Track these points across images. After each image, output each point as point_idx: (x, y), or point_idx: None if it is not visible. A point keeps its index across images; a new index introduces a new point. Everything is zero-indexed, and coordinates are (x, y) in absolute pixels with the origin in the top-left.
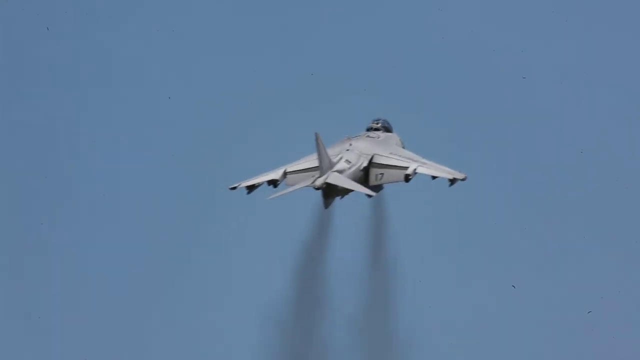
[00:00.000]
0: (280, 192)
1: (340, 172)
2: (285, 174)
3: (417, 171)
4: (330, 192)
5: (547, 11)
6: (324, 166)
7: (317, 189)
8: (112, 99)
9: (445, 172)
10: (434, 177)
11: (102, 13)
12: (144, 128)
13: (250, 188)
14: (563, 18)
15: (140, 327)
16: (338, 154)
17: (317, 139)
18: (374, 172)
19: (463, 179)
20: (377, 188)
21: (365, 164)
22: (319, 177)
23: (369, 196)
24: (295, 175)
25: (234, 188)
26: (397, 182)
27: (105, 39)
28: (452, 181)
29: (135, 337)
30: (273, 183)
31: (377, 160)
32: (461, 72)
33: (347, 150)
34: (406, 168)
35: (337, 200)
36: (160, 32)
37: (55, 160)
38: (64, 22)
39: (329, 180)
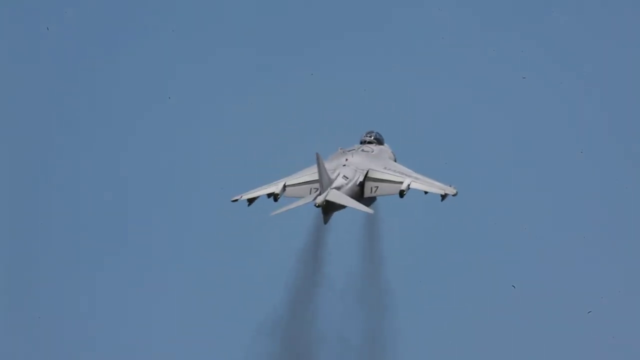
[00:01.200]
0: (283, 208)
1: (338, 188)
2: (284, 187)
3: (410, 186)
4: (330, 208)
5: (547, 11)
6: (323, 184)
7: (318, 206)
8: (111, 98)
9: (436, 188)
10: (426, 192)
11: (102, 13)
12: (143, 131)
13: (251, 200)
14: (562, 18)
15: (140, 331)
16: (335, 169)
17: (317, 159)
18: (368, 185)
19: (454, 195)
20: (371, 200)
21: (361, 179)
22: (318, 194)
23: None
24: (295, 188)
25: (236, 200)
26: (390, 194)
27: (105, 39)
28: (444, 196)
29: (136, 341)
30: (273, 196)
31: (372, 175)
32: (460, 71)
33: (344, 165)
34: (400, 183)
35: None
36: (160, 32)
37: (54, 160)
38: (64, 22)
39: (328, 198)
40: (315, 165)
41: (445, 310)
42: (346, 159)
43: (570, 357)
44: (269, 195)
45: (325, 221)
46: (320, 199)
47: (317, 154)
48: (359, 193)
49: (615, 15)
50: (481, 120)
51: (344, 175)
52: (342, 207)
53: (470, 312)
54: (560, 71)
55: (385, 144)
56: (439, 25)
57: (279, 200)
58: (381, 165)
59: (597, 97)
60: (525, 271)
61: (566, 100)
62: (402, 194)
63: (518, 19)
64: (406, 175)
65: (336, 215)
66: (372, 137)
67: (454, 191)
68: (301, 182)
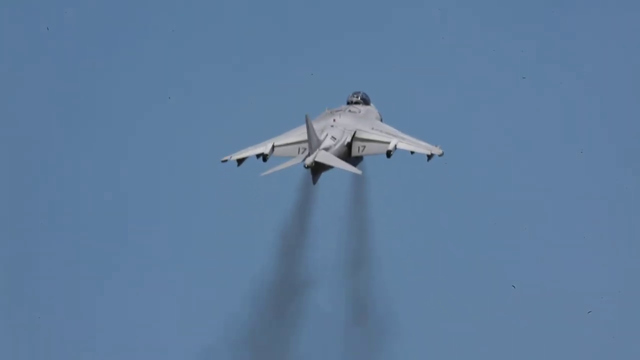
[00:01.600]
0: (273, 169)
1: (327, 149)
2: (273, 147)
3: (397, 147)
4: (319, 168)
5: (547, 11)
6: (312, 145)
7: (307, 167)
8: (111, 98)
9: (423, 148)
10: (412, 152)
11: (102, 13)
12: (143, 131)
13: (240, 161)
14: (563, 18)
15: (140, 330)
16: (323, 130)
17: (307, 121)
18: (356, 144)
19: (440, 155)
20: (358, 159)
21: (349, 139)
22: (307, 155)
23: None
24: (283, 148)
25: (225, 161)
26: (378, 154)
27: (105, 39)
28: (430, 156)
29: (136, 340)
30: (262, 156)
31: (359, 135)
32: (460, 71)
33: (332, 126)
34: (387, 143)
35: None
36: (160, 32)
37: (54, 160)
38: (64, 22)
39: (317, 159)
40: (303, 125)
41: (437, 299)
42: (334, 120)
43: (570, 357)
44: (258, 155)
45: (314, 181)
46: (309, 160)
47: (306, 115)
48: (346, 153)
49: (615, 15)
50: (481, 121)
51: (332, 136)
52: (331, 167)
53: (466, 312)
54: (560, 71)
55: (371, 104)
56: (439, 25)
57: (268, 160)
58: (368, 125)
59: (597, 97)
60: (525, 271)
61: (566, 100)
62: (389, 154)
63: (518, 19)
64: (393, 135)
65: (324, 175)
66: (359, 98)
67: (440, 151)
68: (290, 142)
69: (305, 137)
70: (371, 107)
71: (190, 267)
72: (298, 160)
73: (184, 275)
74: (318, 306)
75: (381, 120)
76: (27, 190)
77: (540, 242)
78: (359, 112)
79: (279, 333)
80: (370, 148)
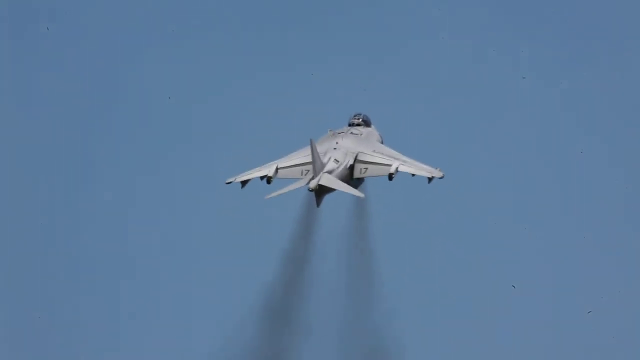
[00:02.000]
0: (277, 191)
1: (330, 172)
2: (277, 169)
3: (398, 169)
4: (322, 191)
5: (547, 11)
6: (316, 168)
7: (311, 190)
8: (111, 98)
9: (424, 171)
10: (413, 175)
11: (102, 13)
12: (143, 131)
13: (244, 183)
14: (563, 18)
15: (140, 330)
16: (326, 152)
17: (311, 145)
18: (358, 166)
19: (441, 177)
20: (359, 181)
21: (351, 162)
22: (312, 178)
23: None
24: (287, 170)
25: (229, 183)
26: (379, 176)
27: (105, 39)
28: (430, 179)
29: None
30: (266, 178)
31: (361, 157)
32: (460, 71)
33: (335, 148)
34: (389, 166)
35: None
36: (160, 32)
37: (53, 159)
38: (64, 22)
39: (321, 182)
40: (306, 147)
41: (441, 308)
42: (337, 142)
43: (570, 357)
44: (262, 177)
45: (318, 204)
46: (313, 184)
47: (311, 140)
48: (349, 175)
49: (616, 14)
50: (481, 121)
51: (335, 159)
52: (334, 190)
53: (466, 312)
54: (560, 71)
55: (372, 126)
56: (439, 25)
57: (272, 182)
58: (370, 147)
59: (597, 98)
60: (525, 271)
61: (566, 100)
62: (390, 177)
63: (518, 19)
64: (394, 158)
65: (327, 196)
66: (360, 120)
67: (441, 174)
68: (293, 164)
69: (308, 159)
70: (372, 129)
71: (193, 287)
72: (302, 183)
73: (186, 296)
74: (320, 324)
75: (382, 142)
76: (27, 190)
77: (540, 242)
78: (361, 134)
79: (282, 344)
80: (372, 170)
